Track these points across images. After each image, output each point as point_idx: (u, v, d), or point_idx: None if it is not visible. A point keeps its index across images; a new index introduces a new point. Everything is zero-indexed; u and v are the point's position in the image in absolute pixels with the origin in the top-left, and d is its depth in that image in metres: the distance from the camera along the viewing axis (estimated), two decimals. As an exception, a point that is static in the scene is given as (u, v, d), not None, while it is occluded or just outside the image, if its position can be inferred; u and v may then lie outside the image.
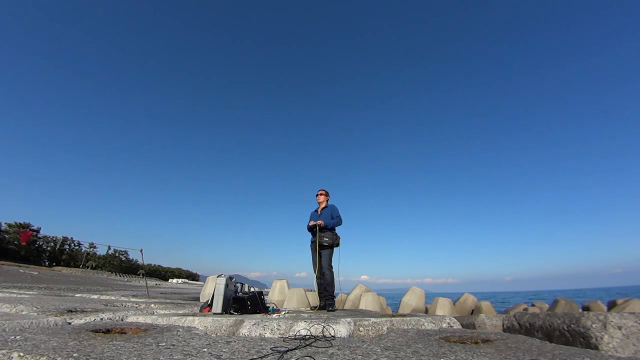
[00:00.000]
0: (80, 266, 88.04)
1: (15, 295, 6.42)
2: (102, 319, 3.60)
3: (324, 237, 5.29)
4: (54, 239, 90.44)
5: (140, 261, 61.77)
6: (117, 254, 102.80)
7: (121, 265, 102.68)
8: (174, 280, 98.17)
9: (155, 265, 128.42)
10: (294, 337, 2.50)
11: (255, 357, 1.83)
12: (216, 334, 2.80)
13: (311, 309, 5.53)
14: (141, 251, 10.86)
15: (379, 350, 2.06)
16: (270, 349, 2.04)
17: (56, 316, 3.30)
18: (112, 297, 7.83)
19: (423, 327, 3.03)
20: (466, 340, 2.33)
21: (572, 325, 2.25)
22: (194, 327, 2.92)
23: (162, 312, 4.65)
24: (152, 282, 47.72)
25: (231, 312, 4.10)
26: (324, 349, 2.07)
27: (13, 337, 2.13)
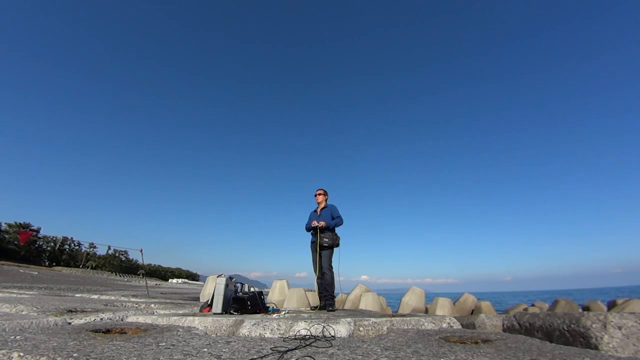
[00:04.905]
0: (80, 266, 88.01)
1: (15, 295, 6.42)
2: (102, 319, 3.60)
3: (324, 237, 5.28)
4: (54, 239, 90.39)
5: (140, 261, 61.79)
6: (117, 254, 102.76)
7: (121, 265, 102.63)
8: (174, 280, 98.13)
9: (155, 265, 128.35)
10: (294, 337, 2.50)
11: (255, 357, 1.83)
12: (216, 334, 2.79)
13: (311, 309, 5.53)
14: (141, 251, 10.87)
15: (379, 350, 2.06)
16: (270, 349, 2.04)
17: (56, 316, 3.30)
18: (112, 297, 7.83)
19: (423, 327, 3.03)
20: (466, 340, 2.33)
21: (572, 325, 2.25)
22: (194, 327, 2.92)
23: (162, 312, 4.64)
24: (152, 282, 47.72)
25: (231, 312, 4.10)
26: (324, 349, 2.07)
27: (13, 337, 2.13)
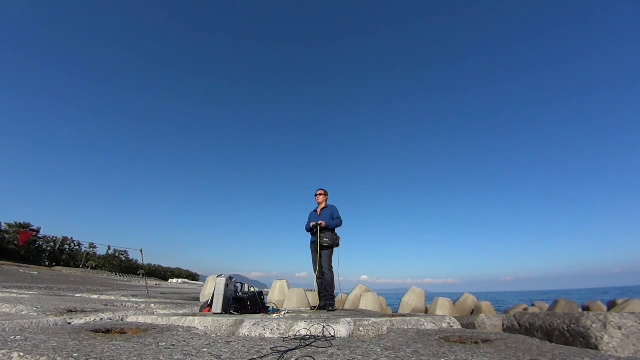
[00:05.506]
0: (80, 266, 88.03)
1: (15, 295, 6.42)
2: (102, 319, 3.60)
3: (324, 237, 5.28)
4: (54, 239, 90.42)
5: (140, 261, 61.83)
6: (117, 254, 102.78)
7: (121, 265, 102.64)
8: (174, 280, 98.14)
9: (155, 265, 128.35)
10: (294, 337, 2.50)
11: (255, 357, 1.83)
12: (216, 334, 2.80)
13: (311, 309, 5.53)
14: (141, 251, 10.87)
15: (379, 350, 2.06)
16: (270, 349, 2.04)
17: (56, 316, 3.30)
18: (112, 297, 7.83)
19: (423, 327, 3.03)
20: (466, 340, 2.33)
21: (572, 325, 2.25)
22: (194, 327, 2.92)
23: (162, 312, 4.64)
24: (152, 282, 47.73)
25: (231, 312, 4.10)
26: (324, 349, 2.07)
27: (13, 337, 2.13)
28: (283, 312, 4.28)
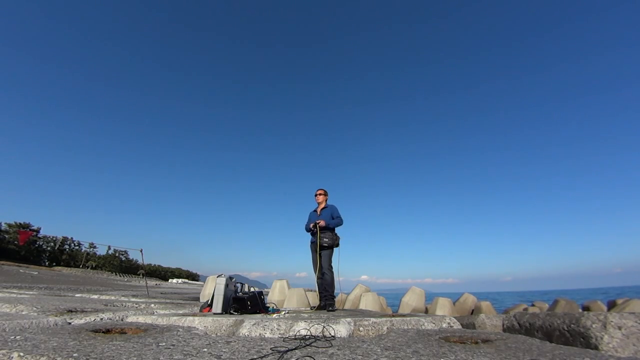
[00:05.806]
0: (80, 266, 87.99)
1: (15, 295, 6.42)
2: (102, 319, 3.60)
3: (324, 237, 5.27)
4: (54, 239, 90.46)
5: (140, 261, 61.82)
6: (117, 254, 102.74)
7: (121, 265, 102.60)
8: (174, 280, 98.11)
9: (155, 265, 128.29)
10: (294, 337, 2.50)
11: (255, 357, 1.83)
12: (216, 334, 2.80)
13: (311, 309, 5.53)
14: (141, 251, 10.87)
15: (379, 350, 2.06)
16: (270, 349, 2.04)
17: (56, 316, 3.30)
18: (112, 297, 7.83)
19: (423, 327, 3.03)
20: (466, 340, 2.33)
21: (572, 325, 2.25)
22: (194, 327, 2.92)
23: (162, 312, 4.64)
24: (152, 282, 47.71)
25: (231, 312, 4.10)
26: (324, 349, 2.07)
27: (13, 337, 2.13)
28: (283, 312, 4.28)
